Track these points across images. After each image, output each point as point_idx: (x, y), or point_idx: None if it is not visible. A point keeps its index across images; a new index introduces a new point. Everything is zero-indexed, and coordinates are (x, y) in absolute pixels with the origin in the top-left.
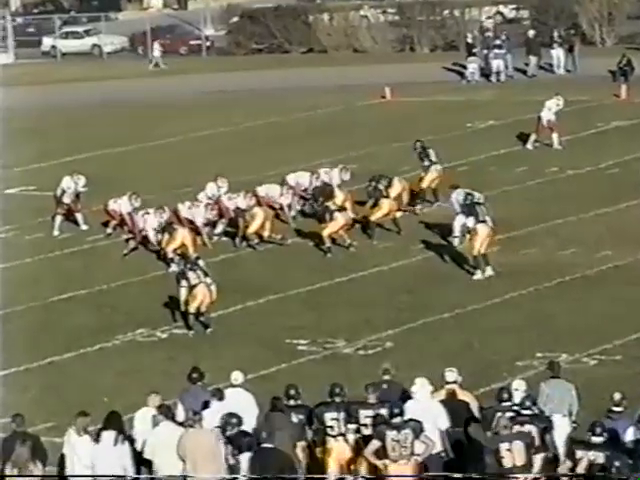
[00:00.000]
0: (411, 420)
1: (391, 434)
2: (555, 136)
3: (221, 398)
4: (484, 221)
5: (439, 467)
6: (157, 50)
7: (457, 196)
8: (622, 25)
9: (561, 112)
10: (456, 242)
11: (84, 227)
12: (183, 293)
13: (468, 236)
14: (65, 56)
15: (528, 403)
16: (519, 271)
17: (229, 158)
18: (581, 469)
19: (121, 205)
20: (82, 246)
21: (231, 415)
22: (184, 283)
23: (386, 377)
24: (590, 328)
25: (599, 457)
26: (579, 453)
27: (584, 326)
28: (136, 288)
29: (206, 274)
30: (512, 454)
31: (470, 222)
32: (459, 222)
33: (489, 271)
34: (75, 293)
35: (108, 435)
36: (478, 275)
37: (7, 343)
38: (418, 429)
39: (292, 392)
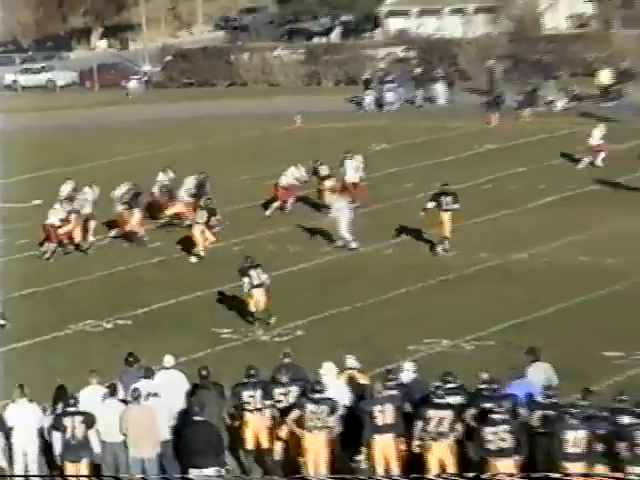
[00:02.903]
0: (329, 398)
1: (310, 407)
2: None
3: (148, 377)
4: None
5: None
6: (133, 82)
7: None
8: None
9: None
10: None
11: None
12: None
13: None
14: (25, 89)
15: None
16: (409, 270)
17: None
18: (432, 426)
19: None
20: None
21: None
22: (246, 280)
23: (286, 360)
24: (468, 319)
25: (448, 415)
26: (430, 412)
27: (463, 317)
28: (86, 286)
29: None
30: (384, 415)
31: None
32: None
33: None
34: (34, 290)
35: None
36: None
37: None
38: (334, 406)
39: (203, 372)
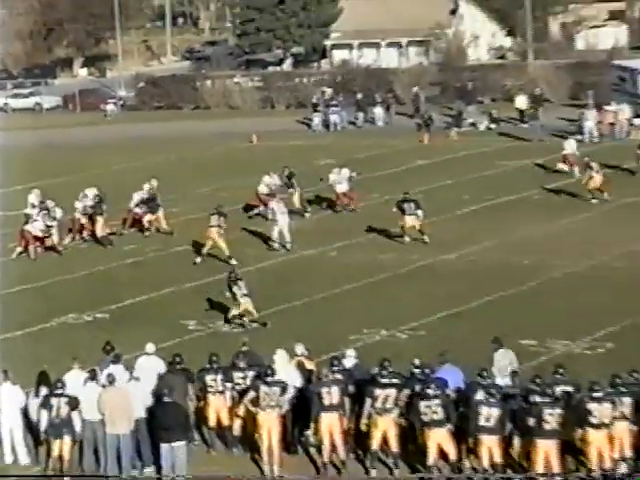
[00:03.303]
0: (281, 381)
1: (264, 388)
2: None
3: (116, 362)
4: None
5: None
6: (110, 105)
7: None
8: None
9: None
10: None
11: None
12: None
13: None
14: (14, 111)
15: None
16: (351, 270)
17: (139, 184)
18: (379, 403)
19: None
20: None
21: None
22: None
23: (244, 348)
24: (402, 311)
25: (392, 393)
26: (377, 391)
27: (398, 309)
28: (69, 283)
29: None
30: (330, 395)
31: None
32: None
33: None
34: (23, 287)
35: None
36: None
37: None
38: (285, 388)
39: (177, 359)
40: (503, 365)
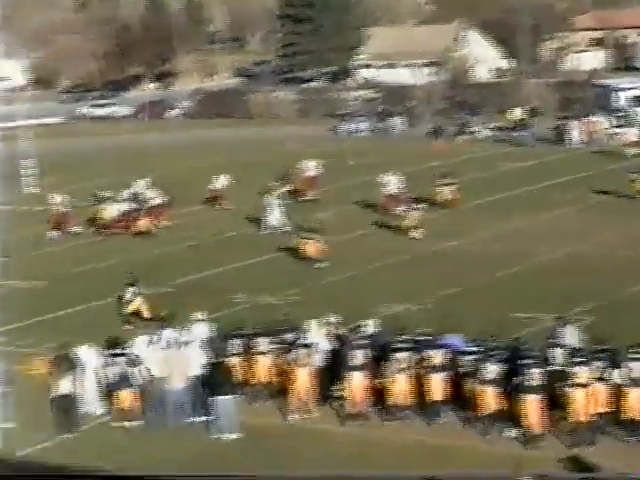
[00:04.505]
0: (312, 344)
1: (299, 350)
2: None
3: (174, 328)
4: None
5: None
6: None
7: None
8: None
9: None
10: None
11: None
12: None
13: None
14: (93, 119)
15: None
16: (381, 252)
17: (199, 180)
18: (396, 364)
19: None
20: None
21: None
22: None
23: (284, 317)
24: (414, 288)
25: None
26: (397, 355)
27: (411, 287)
28: (140, 262)
29: None
30: (355, 357)
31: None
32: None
33: None
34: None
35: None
36: None
37: None
38: (315, 350)
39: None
40: (571, 340)
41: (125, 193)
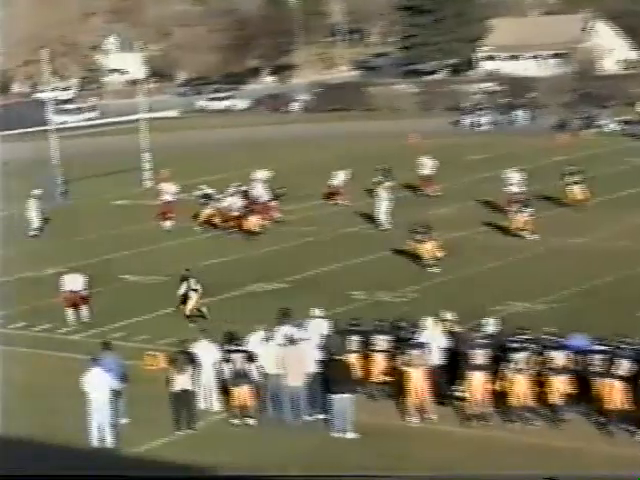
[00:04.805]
0: (426, 343)
1: (413, 351)
2: None
3: (291, 324)
4: None
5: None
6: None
7: None
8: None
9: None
10: None
11: None
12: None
13: None
14: (211, 112)
15: None
16: (492, 250)
17: (327, 172)
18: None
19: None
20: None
21: None
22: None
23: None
24: (536, 286)
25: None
26: (513, 356)
27: (531, 285)
28: (255, 258)
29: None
30: (476, 356)
31: None
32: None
33: None
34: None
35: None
36: None
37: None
38: (429, 349)
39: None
40: None
41: (232, 189)
